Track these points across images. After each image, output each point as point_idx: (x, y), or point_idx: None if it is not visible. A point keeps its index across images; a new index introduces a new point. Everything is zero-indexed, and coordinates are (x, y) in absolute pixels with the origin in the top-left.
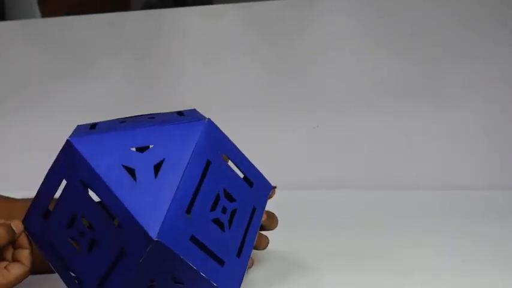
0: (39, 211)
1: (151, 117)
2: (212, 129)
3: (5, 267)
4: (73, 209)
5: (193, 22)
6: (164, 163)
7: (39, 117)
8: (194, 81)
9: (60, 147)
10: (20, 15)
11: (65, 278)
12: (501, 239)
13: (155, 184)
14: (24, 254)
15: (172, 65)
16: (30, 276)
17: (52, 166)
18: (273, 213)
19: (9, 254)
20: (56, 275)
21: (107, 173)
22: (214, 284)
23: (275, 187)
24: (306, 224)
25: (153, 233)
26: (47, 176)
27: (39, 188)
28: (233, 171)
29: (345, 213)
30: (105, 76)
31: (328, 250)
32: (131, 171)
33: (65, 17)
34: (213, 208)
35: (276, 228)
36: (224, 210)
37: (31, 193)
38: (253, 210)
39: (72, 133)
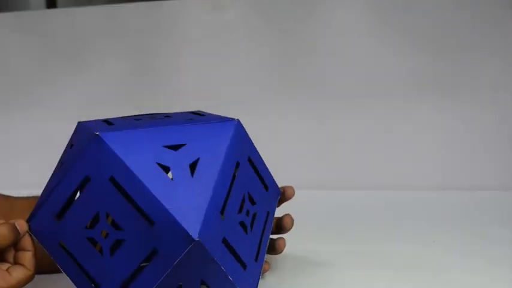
0: (50, 210)
1: (167, 115)
2: (240, 130)
3: (6, 270)
4: (96, 207)
5: (195, 14)
6: (199, 162)
7: (33, 112)
8: (195, 75)
9: (57, 143)
10: (12, 6)
11: (79, 282)
12: None
13: (192, 183)
14: (27, 257)
15: (173, 58)
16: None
17: (73, 162)
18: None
19: (10, 255)
20: (60, 275)
21: (141, 171)
22: None
23: (291, 187)
24: (313, 224)
25: (194, 233)
26: (66, 172)
27: (51, 186)
28: (255, 174)
29: (353, 213)
30: (103, 69)
31: (338, 250)
32: (166, 170)
33: (61, 9)
34: (239, 210)
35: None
36: (248, 213)
37: (30, 191)
38: (267, 214)
39: (92, 128)
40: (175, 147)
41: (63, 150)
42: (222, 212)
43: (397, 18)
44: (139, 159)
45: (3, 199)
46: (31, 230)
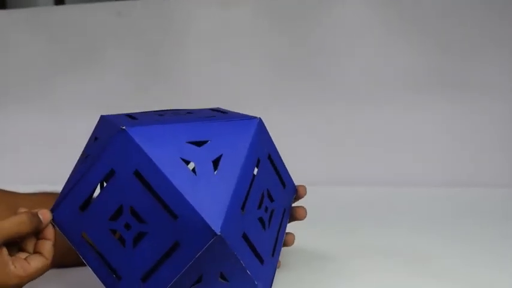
0: (74, 201)
1: (189, 112)
2: (262, 127)
3: (25, 259)
4: (120, 200)
5: (204, 11)
6: (222, 159)
7: (42, 108)
8: (203, 71)
9: (67, 139)
10: (22, 3)
11: (101, 273)
12: None
13: (215, 179)
14: (47, 246)
15: (181, 54)
16: (54, 270)
17: (99, 155)
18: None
19: (30, 245)
20: (80, 269)
21: (166, 165)
22: (256, 282)
23: (304, 186)
24: (321, 219)
25: (217, 228)
26: (91, 165)
27: (75, 177)
28: (274, 171)
29: (360, 208)
30: (112, 65)
31: (344, 244)
32: (190, 165)
33: (69, 5)
34: (259, 206)
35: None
36: (266, 209)
37: (38, 186)
38: (284, 211)
39: (117, 122)
40: (199, 144)
41: (72, 143)
42: (242, 208)
43: (404, 16)
44: (164, 154)
45: (7, 195)
46: (54, 221)
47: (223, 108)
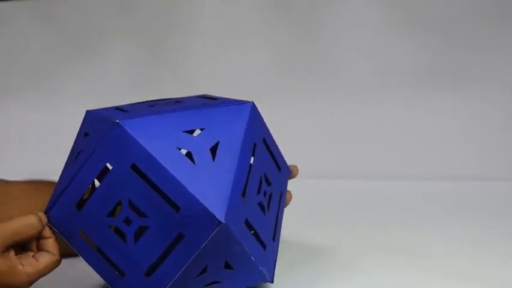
0: (70, 200)
1: (177, 100)
2: (255, 111)
3: (32, 257)
4: (118, 195)
5: (207, 3)
6: (219, 146)
7: (44, 100)
8: (206, 64)
9: (69, 132)
10: None
11: (103, 271)
12: None
13: (214, 167)
14: (50, 243)
15: (185, 47)
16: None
17: (92, 151)
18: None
19: (33, 245)
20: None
21: (163, 156)
22: (260, 268)
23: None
24: (324, 212)
25: (221, 216)
26: (85, 161)
27: (68, 176)
28: (269, 155)
29: (362, 203)
30: (115, 58)
31: (344, 238)
32: (187, 154)
33: None
34: (258, 191)
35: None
36: (265, 193)
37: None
38: (281, 194)
39: (108, 116)
40: (194, 132)
41: (74, 136)
42: (243, 194)
43: (408, 9)
44: (160, 145)
45: None
46: (50, 222)
47: (210, 94)
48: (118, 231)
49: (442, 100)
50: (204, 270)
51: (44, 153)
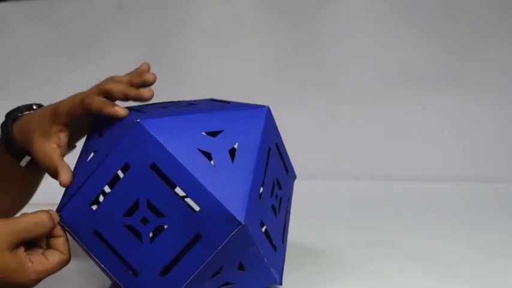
0: (84, 199)
1: (190, 103)
2: (270, 116)
3: (42, 254)
4: (136, 195)
5: (206, 3)
6: (238, 148)
7: (44, 99)
8: (205, 63)
9: None
10: None
11: (116, 271)
12: None
13: (233, 168)
14: (60, 242)
15: (184, 46)
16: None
17: (110, 150)
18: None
19: (43, 243)
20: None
21: (184, 157)
22: (271, 270)
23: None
24: (322, 213)
25: (241, 217)
26: (102, 161)
27: (83, 175)
28: (280, 159)
29: (361, 203)
30: (112, 58)
31: (345, 239)
32: (207, 156)
33: None
34: (271, 194)
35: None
36: (276, 197)
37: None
38: (288, 198)
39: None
40: (213, 134)
41: None
42: (259, 196)
43: (407, 10)
44: (180, 145)
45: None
46: (62, 221)
47: (219, 98)
48: (133, 231)
49: (442, 101)
50: (218, 271)
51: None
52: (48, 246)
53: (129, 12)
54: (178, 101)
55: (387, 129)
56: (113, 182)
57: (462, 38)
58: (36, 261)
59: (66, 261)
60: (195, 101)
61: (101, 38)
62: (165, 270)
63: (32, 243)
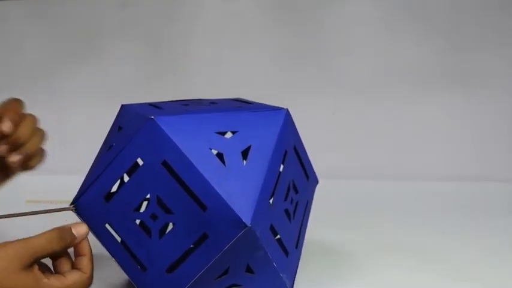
0: (99, 191)
1: (213, 102)
2: (289, 119)
3: (60, 273)
4: (147, 190)
5: (207, 2)
6: (251, 150)
7: (45, 99)
8: (206, 62)
9: (70, 129)
10: None
11: (125, 264)
12: None
13: (244, 170)
14: (84, 261)
15: (184, 45)
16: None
17: (125, 145)
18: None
19: (67, 265)
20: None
21: (195, 155)
22: (281, 275)
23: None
24: (325, 214)
25: (247, 219)
26: (117, 154)
27: (99, 167)
28: (299, 163)
29: (363, 201)
30: (115, 57)
31: (348, 238)
32: (219, 156)
33: None
34: (285, 198)
35: None
36: (291, 201)
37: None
38: (307, 203)
39: (143, 112)
40: (227, 134)
41: (75, 134)
42: (270, 200)
43: (406, 9)
44: (193, 144)
45: None
46: (77, 211)
47: (244, 98)
48: (143, 226)
49: (442, 99)
50: (225, 272)
51: (47, 148)
52: (73, 266)
53: (131, 10)
54: (200, 99)
55: (388, 128)
56: (130, 175)
57: (464, 37)
58: (53, 277)
59: (87, 280)
60: (218, 99)
61: (103, 37)
62: (172, 267)
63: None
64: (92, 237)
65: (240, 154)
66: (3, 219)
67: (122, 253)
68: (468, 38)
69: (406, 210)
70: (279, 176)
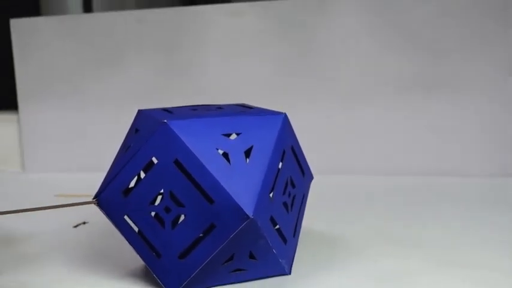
0: (118, 187)
1: (219, 107)
2: (287, 122)
3: None
4: (161, 186)
5: (216, 19)
6: (253, 150)
7: (72, 105)
8: (215, 73)
9: (93, 132)
10: (53, 11)
11: (142, 251)
12: None
13: (247, 168)
14: None
15: (197, 58)
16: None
17: (141, 145)
18: None
19: None
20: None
21: (203, 155)
22: (280, 260)
23: None
24: (325, 207)
25: (250, 212)
26: (134, 154)
27: (118, 165)
28: (295, 161)
29: (363, 198)
30: (133, 68)
31: (348, 231)
32: (224, 155)
33: (97, 13)
34: (283, 192)
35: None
36: (289, 194)
37: (74, 174)
38: (303, 196)
39: (157, 116)
40: (232, 136)
41: (97, 136)
42: (270, 194)
43: (397, 21)
44: (201, 145)
45: None
46: (100, 204)
47: (247, 103)
48: (157, 218)
49: (428, 103)
50: (230, 258)
51: (74, 148)
52: None
53: (147, 26)
54: (208, 105)
55: (378, 129)
56: (146, 173)
57: (450, 47)
58: None
59: None
60: (224, 105)
61: (123, 50)
62: (183, 254)
63: None
64: (112, 228)
65: (243, 154)
66: (36, 211)
67: (139, 242)
68: (456, 47)
69: (407, 203)
70: (278, 172)
